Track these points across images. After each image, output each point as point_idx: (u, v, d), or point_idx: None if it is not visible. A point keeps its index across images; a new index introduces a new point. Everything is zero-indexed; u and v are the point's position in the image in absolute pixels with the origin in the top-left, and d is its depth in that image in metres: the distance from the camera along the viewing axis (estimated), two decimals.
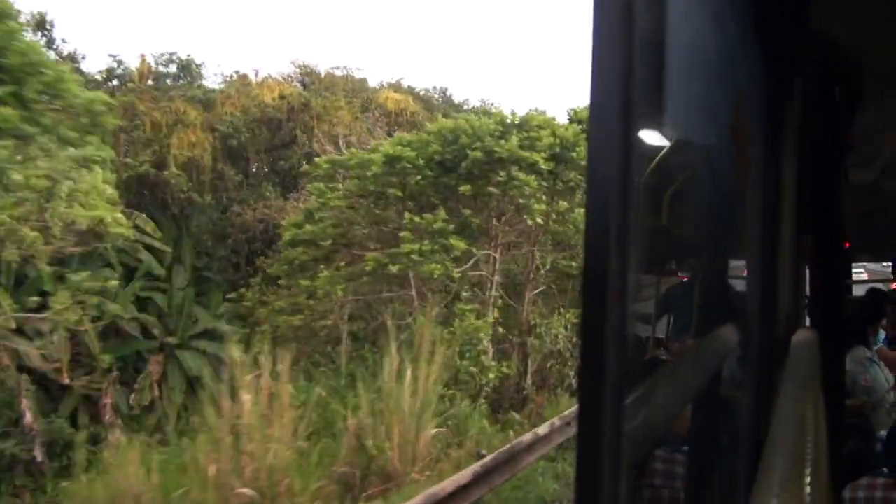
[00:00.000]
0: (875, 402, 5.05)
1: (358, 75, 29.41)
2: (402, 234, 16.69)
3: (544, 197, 17.44)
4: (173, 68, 26.50)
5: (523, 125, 18.07)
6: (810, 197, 1.74)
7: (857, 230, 8.72)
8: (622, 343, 0.55)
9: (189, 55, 26.57)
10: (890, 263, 9.21)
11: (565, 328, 17.84)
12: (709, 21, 1.06)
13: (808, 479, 0.56)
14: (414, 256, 16.11)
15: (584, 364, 0.57)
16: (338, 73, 28.81)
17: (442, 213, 16.82)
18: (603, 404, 0.54)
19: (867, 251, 9.07)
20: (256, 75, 26.90)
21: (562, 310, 18.19)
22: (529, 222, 17.30)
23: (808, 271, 2.37)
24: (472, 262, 17.20)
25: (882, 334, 5.99)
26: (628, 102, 0.52)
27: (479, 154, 16.89)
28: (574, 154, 17.44)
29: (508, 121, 18.34)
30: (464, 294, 17.57)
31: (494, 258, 17.73)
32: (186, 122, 23.93)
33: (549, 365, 17.67)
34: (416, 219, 16.77)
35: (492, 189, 16.98)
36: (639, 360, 0.91)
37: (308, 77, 28.12)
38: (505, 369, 16.46)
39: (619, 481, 0.56)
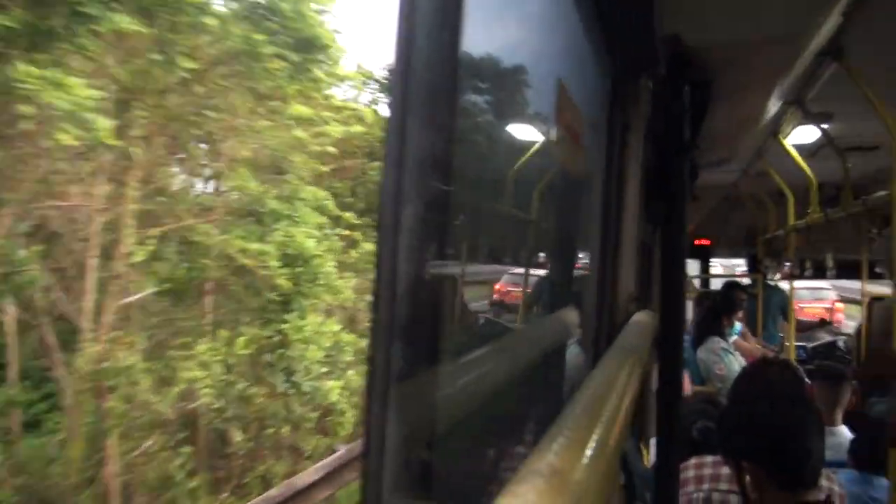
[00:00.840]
0: (729, 390, 5.32)
1: None
2: None
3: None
4: None
5: None
6: (656, 193, 1.87)
7: (718, 228, 9.20)
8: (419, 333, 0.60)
9: None
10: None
11: (226, 366, 10.78)
12: (551, 22, 1.15)
13: (595, 435, 0.63)
14: None
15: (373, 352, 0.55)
16: None
17: None
18: (388, 400, 0.56)
19: (727, 247, 9.56)
20: None
21: (222, 331, 11.12)
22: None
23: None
24: None
25: (738, 326, 6.33)
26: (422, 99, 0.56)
27: None
28: None
29: None
30: None
31: None
32: None
33: (149, 445, 9.73)
34: None
35: None
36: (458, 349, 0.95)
37: None
38: None
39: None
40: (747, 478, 2.12)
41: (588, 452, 0.58)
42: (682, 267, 1.82)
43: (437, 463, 0.65)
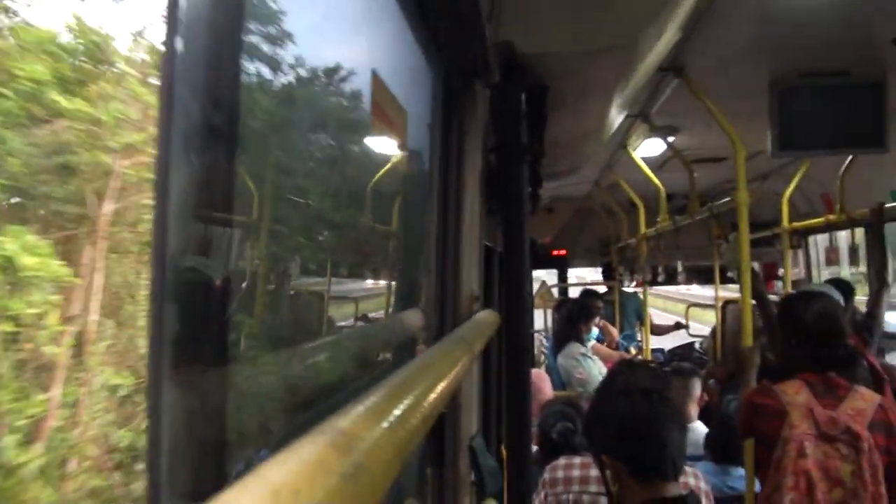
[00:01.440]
0: (591, 394, 5.47)
1: None
2: None
3: None
4: None
5: None
6: (496, 198, 1.92)
7: (575, 238, 9.50)
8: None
9: None
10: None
11: None
12: (374, 22, 1.16)
13: (396, 410, 0.63)
14: None
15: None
16: None
17: None
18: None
19: (584, 257, 9.88)
20: None
21: None
22: None
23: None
24: None
25: (595, 331, 6.53)
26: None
27: None
28: None
29: None
30: None
31: None
32: None
33: None
34: None
35: None
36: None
37: None
38: None
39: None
40: (608, 472, 2.16)
41: (384, 424, 0.59)
42: (524, 269, 1.86)
43: (227, 461, 0.64)
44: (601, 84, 2.42)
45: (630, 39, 2.23)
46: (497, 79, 1.84)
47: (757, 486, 3.20)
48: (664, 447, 2.08)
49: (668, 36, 2.68)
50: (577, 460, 2.92)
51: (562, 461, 2.95)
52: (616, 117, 3.34)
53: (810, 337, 2.95)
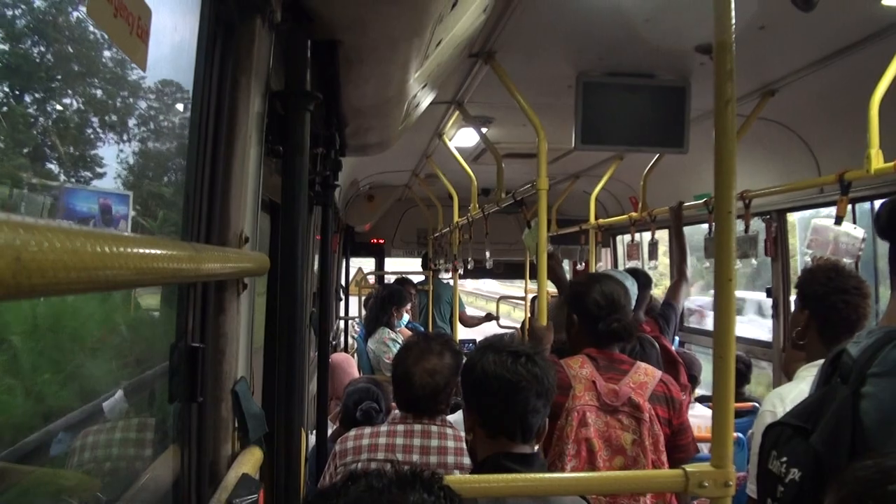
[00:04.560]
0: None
1: None
2: None
3: None
4: None
5: None
6: (275, 148, 1.89)
7: (394, 228, 9.62)
8: None
9: None
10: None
11: None
12: None
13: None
14: None
15: None
16: None
17: None
18: None
19: (402, 247, 10.08)
20: None
21: None
22: None
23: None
24: None
25: (406, 317, 6.60)
26: None
27: None
28: None
29: None
30: None
31: None
32: None
33: None
34: None
35: None
36: None
37: None
38: None
39: None
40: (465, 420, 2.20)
41: None
42: (299, 219, 1.82)
43: None
44: (392, 46, 2.38)
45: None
46: (279, 19, 1.81)
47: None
48: (514, 408, 2.12)
49: (471, 13, 2.70)
50: (367, 430, 2.91)
51: (352, 433, 2.94)
52: (420, 92, 3.37)
53: (590, 314, 3.11)
